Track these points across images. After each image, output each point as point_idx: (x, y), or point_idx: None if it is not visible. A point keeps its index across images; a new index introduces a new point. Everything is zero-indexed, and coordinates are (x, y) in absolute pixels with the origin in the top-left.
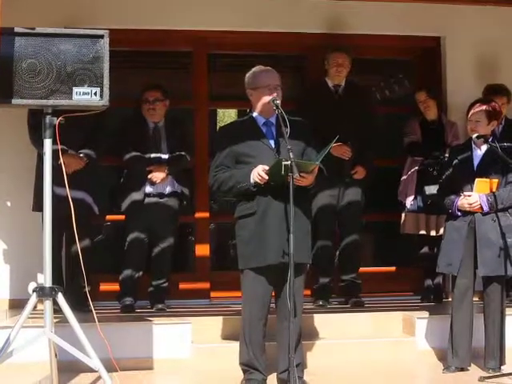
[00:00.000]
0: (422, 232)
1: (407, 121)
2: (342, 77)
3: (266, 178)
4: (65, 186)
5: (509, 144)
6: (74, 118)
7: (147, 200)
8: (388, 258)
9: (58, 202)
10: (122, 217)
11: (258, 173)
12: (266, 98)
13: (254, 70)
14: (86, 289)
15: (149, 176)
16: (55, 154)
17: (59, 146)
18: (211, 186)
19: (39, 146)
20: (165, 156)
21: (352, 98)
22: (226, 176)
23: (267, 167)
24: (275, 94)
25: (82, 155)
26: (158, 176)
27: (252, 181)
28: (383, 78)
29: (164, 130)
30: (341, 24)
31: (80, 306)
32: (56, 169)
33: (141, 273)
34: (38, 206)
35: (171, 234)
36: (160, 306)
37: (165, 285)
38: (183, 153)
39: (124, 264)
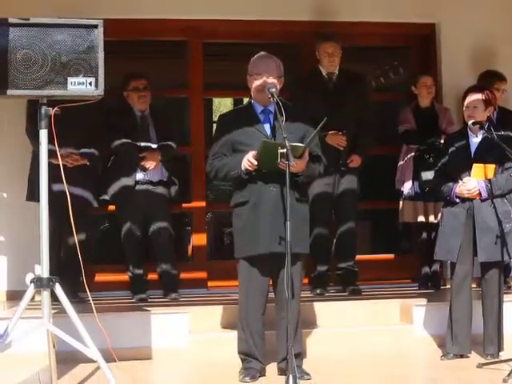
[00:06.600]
0: (421, 219)
1: (400, 109)
2: (336, 65)
3: (256, 163)
4: (61, 182)
5: (506, 132)
6: (74, 117)
7: (138, 187)
8: (386, 246)
9: (55, 197)
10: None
11: (248, 159)
12: (257, 85)
13: (255, 56)
14: (84, 278)
15: (142, 163)
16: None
17: (55, 139)
18: (209, 173)
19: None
20: (154, 145)
21: (346, 86)
22: (221, 164)
23: (255, 152)
24: (264, 80)
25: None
26: (151, 162)
27: (243, 167)
28: (378, 65)
29: (150, 119)
30: (335, 11)
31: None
32: (53, 165)
33: (144, 266)
34: (32, 195)
35: (165, 219)
36: (173, 295)
37: (174, 272)
38: (170, 142)
39: (127, 260)
